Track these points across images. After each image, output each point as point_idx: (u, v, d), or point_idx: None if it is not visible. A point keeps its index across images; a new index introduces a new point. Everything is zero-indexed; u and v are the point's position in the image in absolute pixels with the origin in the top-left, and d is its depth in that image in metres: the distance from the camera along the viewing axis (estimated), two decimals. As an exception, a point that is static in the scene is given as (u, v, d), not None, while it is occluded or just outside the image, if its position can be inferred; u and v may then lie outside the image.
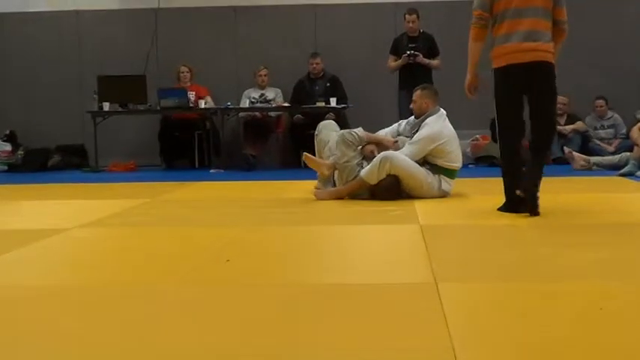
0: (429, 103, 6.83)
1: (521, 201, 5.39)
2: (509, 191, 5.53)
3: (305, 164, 7.41)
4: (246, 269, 3.92)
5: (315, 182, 7.22)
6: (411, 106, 7.03)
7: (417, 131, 6.75)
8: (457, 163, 6.76)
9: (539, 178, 5.37)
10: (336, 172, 6.89)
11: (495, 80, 5.49)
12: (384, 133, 7.15)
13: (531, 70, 5.36)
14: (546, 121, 5.53)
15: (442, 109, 6.83)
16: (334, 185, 6.90)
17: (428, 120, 6.74)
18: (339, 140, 6.80)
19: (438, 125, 6.68)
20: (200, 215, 6.05)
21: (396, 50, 10.26)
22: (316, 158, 7.14)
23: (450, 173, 6.72)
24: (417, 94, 6.88)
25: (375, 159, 6.52)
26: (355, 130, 6.91)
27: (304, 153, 7.27)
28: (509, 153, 5.60)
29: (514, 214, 5.41)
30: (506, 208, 5.53)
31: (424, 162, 6.64)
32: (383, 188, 6.44)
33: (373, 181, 6.47)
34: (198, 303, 3.20)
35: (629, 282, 3.44)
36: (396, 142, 6.80)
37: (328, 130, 7.28)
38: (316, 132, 7.42)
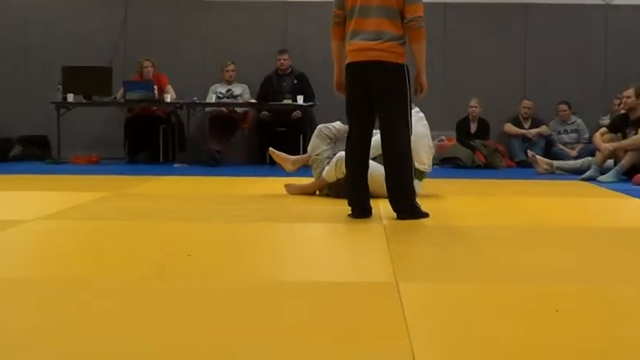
0: None
1: (363, 209, 5.40)
2: (353, 198, 5.50)
3: (270, 160, 7.42)
4: (208, 265, 3.90)
5: (279, 179, 7.22)
6: None
7: None
8: (426, 165, 6.74)
9: (406, 192, 5.34)
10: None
11: (345, 78, 5.45)
12: None
13: (367, 69, 5.26)
14: (390, 125, 5.31)
15: (418, 109, 6.83)
16: None
17: None
18: (315, 133, 6.85)
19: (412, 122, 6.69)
20: (162, 210, 6.00)
21: None
22: (281, 153, 7.15)
23: (418, 174, 6.71)
24: None
25: (333, 158, 6.52)
26: (333, 123, 6.91)
27: (269, 148, 7.27)
28: (346, 154, 5.52)
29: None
30: (352, 214, 5.46)
31: None
32: (341, 187, 6.44)
33: (332, 179, 6.49)
34: (156, 297, 3.18)
35: (586, 285, 3.46)
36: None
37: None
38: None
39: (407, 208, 5.35)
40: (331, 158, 6.68)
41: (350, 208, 5.45)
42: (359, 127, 5.39)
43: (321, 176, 6.69)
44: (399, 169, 5.32)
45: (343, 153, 6.44)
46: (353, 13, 5.31)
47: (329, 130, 6.82)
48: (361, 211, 5.42)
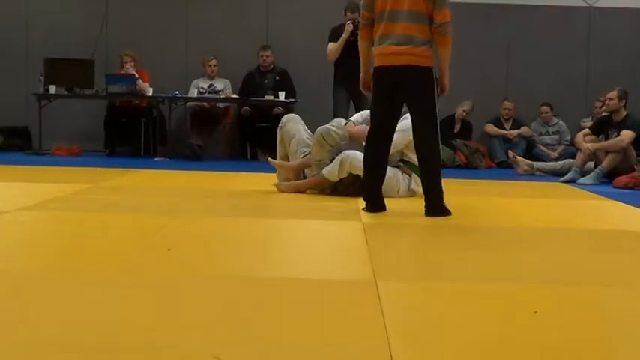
0: None
1: (376, 203, 5.59)
2: (367, 192, 5.67)
3: (251, 155, 7.37)
4: (187, 259, 3.89)
5: (259, 175, 7.19)
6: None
7: None
8: None
9: (435, 190, 5.48)
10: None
11: (373, 79, 5.61)
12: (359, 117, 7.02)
13: (398, 73, 5.41)
14: (421, 126, 5.47)
15: None
16: (304, 178, 6.84)
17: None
18: (315, 140, 6.66)
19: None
20: (143, 203, 5.99)
21: (337, 38, 9.76)
22: (282, 162, 6.97)
23: (414, 169, 6.69)
24: None
25: (336, 158, 6.48)
26: (333, 125, 6.76)
27: (268, 158, 7.16)
28: (367, 151, 5.67)
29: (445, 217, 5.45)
30: (366, 208, 5.62)
31: (400, 160, 6.61)
32: (344, 184, 6.47)
33: (335, 179, 6.48)
34: (135, 291, 3.17)
35: (564, 286, 3.48)
36: None
37: (294, 124, 7.09)
38: (280, 124, 7.15)
39: (435, 206, 5.47)
40: (332, 160, 6.60)
41: (365, 203, 5.63)
42: (382, 129, 5.55)
43: (319, 174, 6.60)
44: (429, 169, 5.51)
45: (347, 153, 6.45)
46: (382, 17, 5.46)
47: (331, 139, 6.63)
48: (375, 206, 5.59)
